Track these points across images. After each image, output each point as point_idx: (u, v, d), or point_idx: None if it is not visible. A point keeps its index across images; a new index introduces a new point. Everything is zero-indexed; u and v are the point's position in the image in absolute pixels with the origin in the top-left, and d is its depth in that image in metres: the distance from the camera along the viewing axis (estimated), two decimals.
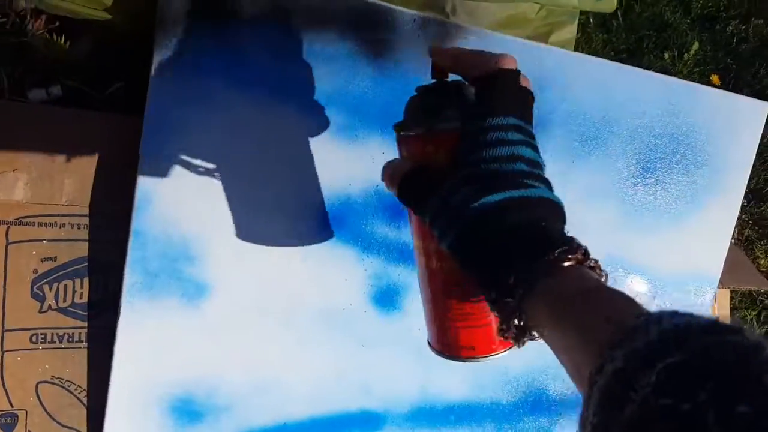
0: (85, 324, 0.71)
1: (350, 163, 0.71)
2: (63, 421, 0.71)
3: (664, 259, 0.83)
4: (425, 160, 0.43)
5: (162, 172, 0.66)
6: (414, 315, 0.76)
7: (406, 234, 0.74)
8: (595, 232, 0.80)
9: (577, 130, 0.77)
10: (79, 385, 0.71)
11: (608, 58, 0.78)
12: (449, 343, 0.48)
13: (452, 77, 0.46)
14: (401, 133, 0.45)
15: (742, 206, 1.32)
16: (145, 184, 0.66)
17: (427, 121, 0.42)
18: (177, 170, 0.66)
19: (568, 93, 0.76)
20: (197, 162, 0.66)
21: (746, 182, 0.85)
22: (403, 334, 0.76)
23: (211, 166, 0.67)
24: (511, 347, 0.46)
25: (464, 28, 0.71)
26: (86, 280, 0.71)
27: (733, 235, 1.33)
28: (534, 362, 0.81)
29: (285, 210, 0.70)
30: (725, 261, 0.89)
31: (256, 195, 0.69)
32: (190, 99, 0.65)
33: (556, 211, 0.39)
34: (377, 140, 0.71)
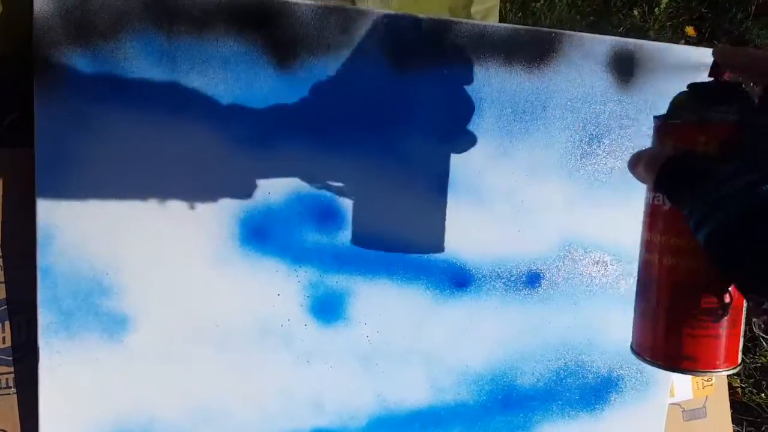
0: (11, 369, 0.68)
1: (265, 171, 0.66)
2: None
3: (627, 230, 0.78)
4: (692, 149, 0.41)
5: (61, 204, 0.62)
6: (358, 322, 0.72)
7: (340, 238, 0.69)
8: (547, 211, 0.74)
9: (510, 104, 0.72)
10: None
11: (575, 23, 0.72)
12: (669, 351, 0.45)
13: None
14: (669, 121, 0.43)
15: None
16: (44, 219, 0.62)
17: (704, 111, 0.41)
18: (77, 202, 0.62)
19: (498, 68, 0.71)
20: (98, 190, 0.62)
21: None
22: (349, 343, 0.72)
23: (113, 192, 0.63)
24: (738, 367, 0.44)
25: (371, 13, 0.66)
26: (7, 323, 0.68)
27: None
28: (495, 357, 0.76)
29: (201, 229, 0.66)
30: None
31: (166, 216, 0.64)
32: (81, 125, 0.61)
33: None
34: (289, 144, 0.66)
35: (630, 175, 0.78)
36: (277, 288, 0.69)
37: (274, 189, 0.67)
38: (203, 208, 0.65)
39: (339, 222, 0.69)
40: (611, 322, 0.79)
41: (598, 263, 0.78)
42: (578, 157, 0.75)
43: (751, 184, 0.35)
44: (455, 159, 0.71)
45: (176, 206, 0.65)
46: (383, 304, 0.72)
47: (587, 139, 0.75)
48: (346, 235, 0.70)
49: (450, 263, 0.73)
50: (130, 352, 0.66)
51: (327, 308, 0.71)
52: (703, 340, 0.43)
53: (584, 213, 0.76)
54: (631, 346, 0.48)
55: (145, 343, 0.66)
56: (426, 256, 0.72)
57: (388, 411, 0.75)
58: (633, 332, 0.48)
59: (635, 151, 0.45)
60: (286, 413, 0.71)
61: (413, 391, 0.75)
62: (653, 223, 0.45)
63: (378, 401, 0.74)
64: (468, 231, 0.73)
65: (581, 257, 0.77)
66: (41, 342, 0.64)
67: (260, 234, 0.67)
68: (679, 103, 0.44)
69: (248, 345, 0.69)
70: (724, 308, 0.42)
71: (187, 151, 0.64)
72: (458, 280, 0.74)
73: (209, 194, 0.65)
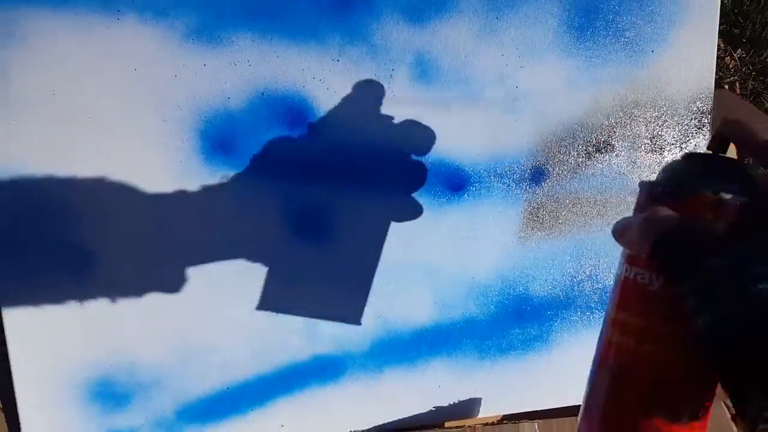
0: None
1: (219, 71, 0.59)
2: None
3: (634, 110, 0.69)
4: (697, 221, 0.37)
5: None
6: (347, 238, 0.65)
7: (315, 144, 0.62)
8: (545, 96, 0.66)
9: None
10: None
11: None
12: None
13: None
14: (674, 190, 0.39)
15: (741, 58, 1.15)
16: None
17: (716, 187, 0.37)
18: (13, 122, 0.56)
19: None
20: (37, 108, 0.56)
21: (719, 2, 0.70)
22: (340, 262, 0.65)
23: (54, 108, 0.56)
24: None
25: None
26: None
27: (736, 88, 1.16)
28: (503, 265, 0.69)
29: (158, 144, 0.59)
30: (723, 106, 0.75)
31: (117, 133, 0.58)
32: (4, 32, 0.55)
33: None
34: (241, 34, 0.59)
35: (634, 55, 0.70)
36: (253, 205, 0.62)
37: (234, 93, 0.60)
38: (155, 121, 0.59)
39: (311, 126, 0.62)
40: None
41: (606, 150, 0.70)
42: (575, 32, 0.67)
43: (764, 275, 0.31)
44: (436, 41, 0.63)
45: (126, 120, 0.58)
46: (372, 216, 0.65)
47: (583, 11, 0.66)
48: (321, 142, 0.63)
49: (442, 165, 0.66)
50: (97, 288, 0.60)
51: (311, 224, 0.64)
52: None
53: (586, 95, 0.68)
54: None
55: (113, 278, 0.60)
56: (415, 157, 0.65)
57: (391, 333, 0.69)
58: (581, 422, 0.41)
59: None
60: (280, 343, 0.65)
61: (416, 310, 0.69)
62: (630, 303, 0.39)
63: (379, 322, 0.68)
64: (459, 125, 0.65)
65: (587, 146, 0.69)
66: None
67: (225, 146, 0.61)
68: (679, 173, 0.39)
69: (228, 272, 0.63)
70: (703, 410, 0.37)
71: (129, 55, 0.57)
72: (453, 182, 0.67)
73: (158, 104, 0.58)
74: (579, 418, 0.41)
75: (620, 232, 0.39)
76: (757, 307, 0.31)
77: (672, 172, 0.40)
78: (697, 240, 0.35)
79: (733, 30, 1.12)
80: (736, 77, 1.13)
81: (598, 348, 0.41)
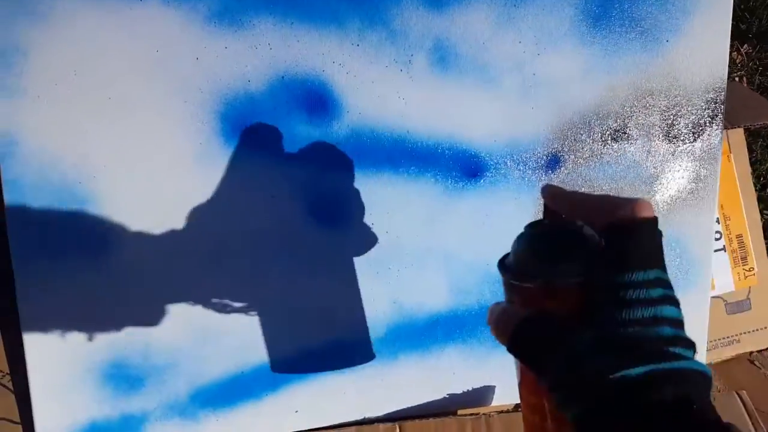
0: None
1: (240, 54, 0.59)
2: None
3: (650, 100, 0.70)
4: (542, 311, 0.36)
5: (19, 103, 0.56)
6: (365, 223, 0.65)
7: (334, 129, 0.62)
8: (562, 84, 0.67)
9: None
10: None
11: None
12: None
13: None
14: (512, 281, 0.38)
15: (747, 53, 1.16)
16: (2, 123, 0.56)
17: (545, 272, 0.36)
18: (37, 101, 0.56)
19: None
20: (59, 84, 0.56)
21: None
22: (357, 247, 0.65)
23: (77, 89, 0.56)
24: None
25: None
26: None
27: (744, 83, 1.17)
28: None
29: (179, 126, 0.59)
30: (734, 98, 0.75)
31: (138, 114, 0.58)
32: (29, 9, 0.55)
33: (706, 385, 0.33)
34: (264, 17, 0.59)
35: (649, 45, 0.71)
36: (270, 189, 0.62)
37: (254, 76, 0.60)
38: (176, 103, 0.59)
39: (331, 110, 0.62)
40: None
41: (621, 138, 0.70)
42: (591, 21, 0.67)
43: (601, 370, 0.31)
44: (454, 28, 0.63)
45: (147, 101, 0.58)
46: (389, 202, 0.65)
47: (600, 0, 0.67)
48: (340, 126, 0.63)
49: (459, 151, 0.66)
50: (113, 270, 0.60)
51: (328, 208, 0.64)
52: None
53: (601, 83, 0.68)
54: None
55: (129, 259, 0.60)
56: (433, 143, 0.65)
57: (406, 319, 0.69)
58: None
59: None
60: (294, 328, 0.65)
61: (432, 295, 0.69)
62: (529, 382, 0.38)
63: (394, 308, 0.68)
64: (476, 112, 0.65)
65: (602, 133, 0.69)
66: (14, 261, 0.58)
67: (245, 129, 0.61)
68: (521, 255, 0.38)
69: (245, 256, 0.63)
70: None
71: (151, 37, 0.57)
72: (470, 169, 0.67)
73: (179, 86, 0.59)
74: None
75: (488, 320, 0.38)
76: (615, 396, 0.31)
77: (515, 254, 0.38)
78: (543, 335, 0.35)
79: (740, 25, 1.13)
80: (743, 72, 1.14)
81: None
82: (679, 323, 0.34)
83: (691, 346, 0.34)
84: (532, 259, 0.37)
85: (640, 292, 0.33)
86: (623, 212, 0.34)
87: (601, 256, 0.35)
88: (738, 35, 1.14)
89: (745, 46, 1.15)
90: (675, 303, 0.34)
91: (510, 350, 0.36)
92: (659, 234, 0.35)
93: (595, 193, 0.35)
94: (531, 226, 0.39)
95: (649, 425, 0.30)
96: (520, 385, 0.39)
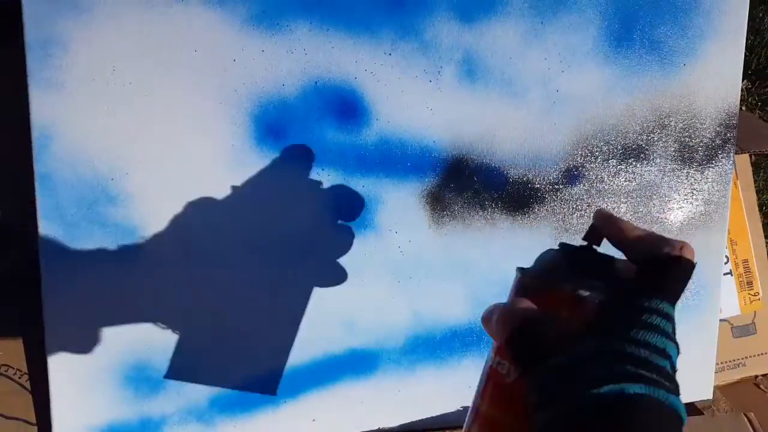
0: None
1: (276, 57, 0.60)
2: (5, 412, 0.62)
3: (668, 123, 0.72)
4: (549, 314, 0.37)
5: (57, 100, 0.56)
6: (389, 231, 0.65)
7: (363, 136, 0.63)
8: (584, 101, 0.68)
9: None
10: (18, 369, 0.62)
11: None
12: None
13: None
14: (535, 281, 0.38)
15: (747, 89, 1.20)
16: (40, 118, 0.56)
17: (574, 283, 0.37)
18: (74, 97, 0.56)
19: None
20: (96, 81, 0.56)
21: (746, 17, 0.73)
22: (380, 255, 0.66)
23: (113, 85, 0.57)
24: None
25: None
26: None
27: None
28: None
29: (212, 126, 0.60)
30: (742, 125, 0.77)
31: (172, 113, 0.58)
32: (71, 5, 0.55)
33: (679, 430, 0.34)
34: (300, 23, 0.60)
35: (667, 67, 0.73)
36: (299, 192, 0.63)
37: (289, 80, 0.61)
38: (212, 104, 0.59)
39: (361, 117, 0.63)
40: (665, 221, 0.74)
41: (638, 157, 0.72)
42: (614, 42, 0.69)
43: (601, 378, 0.32)
44: (483, 42, 0.65)
45: (182, 101, 0.59)
46: (414, 210, 0.66)
47: (622, 22, 0.69)
48: (369, 133, 0.64)
49: (483, 161, 0.67)
50: (141, 271, 0.60)
51: (353, 216, 0.65)
52: None
53: (621, 102, 0.70)
54: None
55: (156, 259, 0.60)
56: (457, 154, 0.66)
57: (425, 330, 0.69)
58: None
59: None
60: (316, 334, 0.65)
61: (451, 306, 0.69)
62: (488, 392, 0.38)
63: (414, 319, 0.68)
64: (501, 124, 0.67)
65: (621, 151, 0.71)
66: (42, 258, 0.57)
67: (277, 132, 0.61)
68: (549, 264, 0.39)
69: (270, 258, 0.63)
70: None
71: (190, 37, 0.58)
72: (492, 180, 0.68)
73: (216, 87, 0.59)
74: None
75: (486, 319, 0.38)
76: (589, 410, 0.31)
77: (542, 262, 0.39)
78: (548, 335, 0.35)
79: None
80: (743, 107, 1.18)
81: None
82: (674, 368, 0.35)
83: (677, 388, 0.34)
84: (565, 269, 0.38)
85: (661, 321, 0.34)
86: (671, 249, 0.36)
87: (628, 283, 0.36)
88: None
89: (745, 81, 1.19)
90: (677, 346, 0.35)
91: (508, 344, 0.36)
92: (689, 279, 0.36)
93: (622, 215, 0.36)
94: (565, 245, 0.39)
95: None
96: (479, 395, 0.38)
